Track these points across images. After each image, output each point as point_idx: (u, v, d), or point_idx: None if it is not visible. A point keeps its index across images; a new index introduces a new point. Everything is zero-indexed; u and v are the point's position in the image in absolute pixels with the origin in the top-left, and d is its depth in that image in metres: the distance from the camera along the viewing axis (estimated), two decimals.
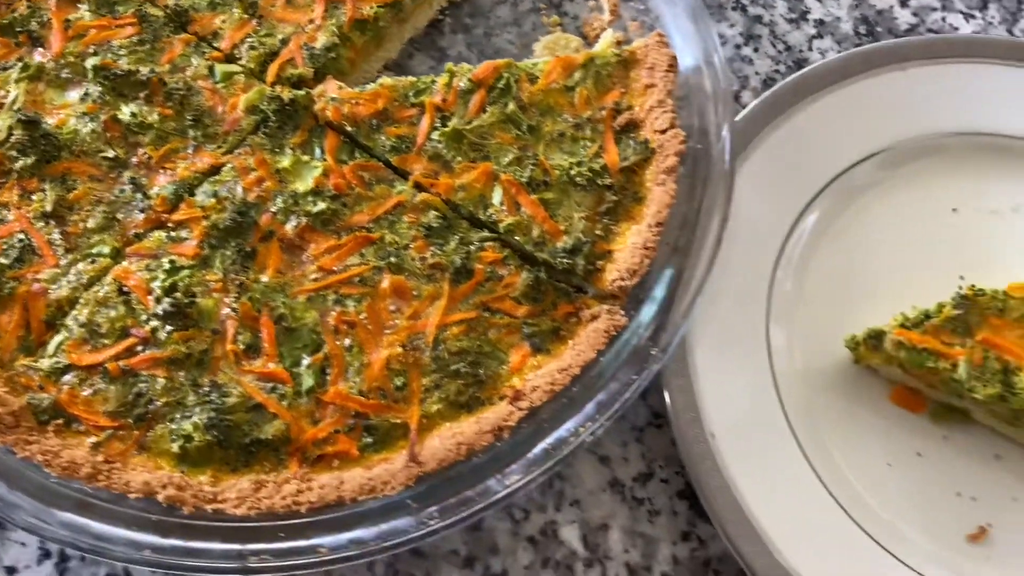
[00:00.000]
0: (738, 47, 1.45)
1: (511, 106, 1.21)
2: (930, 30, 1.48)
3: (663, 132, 1.18)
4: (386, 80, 1.24)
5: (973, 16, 1.49)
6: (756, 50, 1.45)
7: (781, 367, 1.19)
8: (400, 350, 1.09)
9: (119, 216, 1.17)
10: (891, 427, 1.19)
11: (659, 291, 1.12)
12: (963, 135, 1.33)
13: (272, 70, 1.26)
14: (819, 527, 1.11)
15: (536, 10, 1.43)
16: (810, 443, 1.16)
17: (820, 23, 1.48)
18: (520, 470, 1.03)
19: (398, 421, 1.07)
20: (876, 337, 1.16)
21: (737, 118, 1.28)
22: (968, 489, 1.17)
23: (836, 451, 1.17)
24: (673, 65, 1.21)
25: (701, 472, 1.10)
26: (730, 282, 1.21)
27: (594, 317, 1.12)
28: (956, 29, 1.48)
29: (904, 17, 1.49)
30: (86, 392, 1.06)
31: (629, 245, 1.13)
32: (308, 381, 1.08)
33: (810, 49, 1.45)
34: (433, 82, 1.23)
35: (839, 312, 1.21)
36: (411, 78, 1.24)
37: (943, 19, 1.49)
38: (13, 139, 1.17)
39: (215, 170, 1.19)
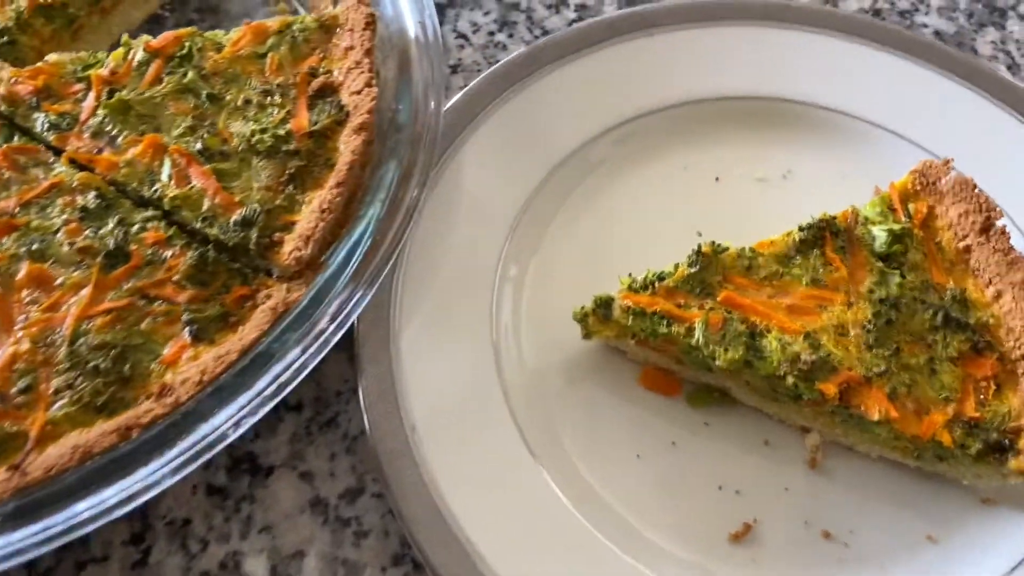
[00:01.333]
0: (491, 34, 1.34)
1: (190, 75, 1.07)
2: None
3: (358, 92, 1.05)
4: (51, 56, 1.09)
5: None
6: (511, 36, 1.34)
7: (508, 351, 1.02)
8: (29, 346, 0.91)
9: None
10: (642, 414, 1.02)
11: (342, 261, 0.96)
12: (729, 100, 1.21)
13: None
14: (543, 534, 0.92)
15: (266, 1, 1.31)
16: (539, 436, 0.98)
17: (582, 7, 1.38)
18: (149, 476, 0.84)
19: (15, 429, 0.87)
20: (605, 306, 0.99)
21: (465, 89, 1.15)
22: (732, 481, 0.98)
23: (571, 443, 0.99)
24: (371, 23, 1.09)
25: (393, 471, 0.91)
26: (452, 260, 1.06)
27: (270, 298, 0.95)
28: None
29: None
30: None
31: (307, 212, 0.98)
32: None
33: None
34: (106, 56, 1.09)
35: (579, 289, 1.05)
36: (82, 53, 1.10)
37: None
38: None
39: None
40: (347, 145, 1.01)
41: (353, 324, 0.99)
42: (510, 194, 1.11)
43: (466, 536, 0.88)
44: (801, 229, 1.02)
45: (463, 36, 1.33)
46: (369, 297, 0.93)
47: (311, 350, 0.89)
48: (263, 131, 1.03)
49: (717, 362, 0.94)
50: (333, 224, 0.98)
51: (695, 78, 1.21)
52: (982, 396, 0.95)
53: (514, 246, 1.09)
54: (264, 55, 1.09)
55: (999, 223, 1.02)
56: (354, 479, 1.00)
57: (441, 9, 1.36)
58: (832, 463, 1.00)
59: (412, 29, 1.11)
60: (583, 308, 1.00)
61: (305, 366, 0.89)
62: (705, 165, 1.18)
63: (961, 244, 1.02)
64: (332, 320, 0.92)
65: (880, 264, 1.01)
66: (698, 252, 0.99)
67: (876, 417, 0.92)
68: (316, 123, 1.04)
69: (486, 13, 1.36)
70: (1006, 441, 0.92)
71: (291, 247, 0.96)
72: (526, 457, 0.96)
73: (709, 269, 0.99)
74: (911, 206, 1.05)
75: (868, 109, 1.21)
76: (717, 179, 1.18)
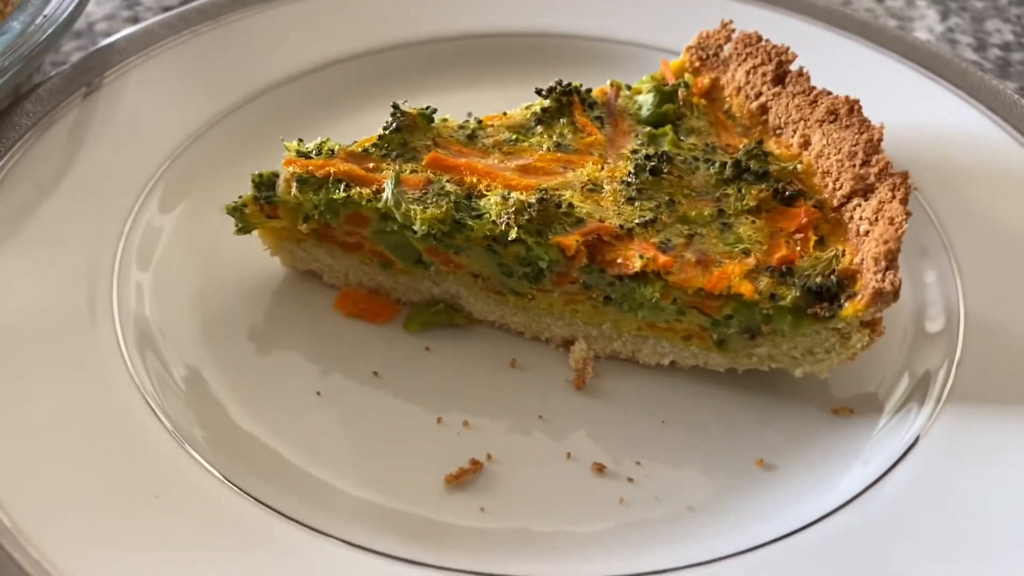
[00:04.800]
0: None
1: None
2: None
3: None
4: None
5: None
6: None
7: (146, 276, 0.72)
8: None
9: None
10: (332, 344, 0.70)
11: None
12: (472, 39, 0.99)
13: None
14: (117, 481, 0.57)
15: None
16: (161, 366, 0.65)
17: None
18: None
19: None
20: (268, 186, 0.71)
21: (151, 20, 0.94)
22: (458, 412, 0.65)
23: (219, 380, 0.66)
24: None
25: None
26: (82, 173, 0.77)
27: None
28: None
29: None
30: None
31: None
32: None
33: None
34: None
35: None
36: None
37: None
38: None
39: None
40: None
41: None
42: (179, 121, 0.85)
43: None
44: (539, 92, 0.77)
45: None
46: None
47: None
48: None
49: (416, 227, 0.65)
50: None
51: (425, 18, 0.99)
52: (798, 249, 0.66)
53: (177, 172, 0.81)
54: None
55: (794, 67, 0.78)
56: None
57: None
58: (609, 383, 0.68)
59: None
60: (240, 199, 0.71)
61: None
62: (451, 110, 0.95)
63: (754, 104, 0.78)
64: None
65: (648, 129, 0.76)
66: (397, 110, 0.73)
67: (638, 266, 0.62)
68: None
69: None
70: (834, 282, 0.62)
71: None
72: (125, 385, 0.62)
73: (415, 133, 0.73)
74: (688, 77, 0.81)
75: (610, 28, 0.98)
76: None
